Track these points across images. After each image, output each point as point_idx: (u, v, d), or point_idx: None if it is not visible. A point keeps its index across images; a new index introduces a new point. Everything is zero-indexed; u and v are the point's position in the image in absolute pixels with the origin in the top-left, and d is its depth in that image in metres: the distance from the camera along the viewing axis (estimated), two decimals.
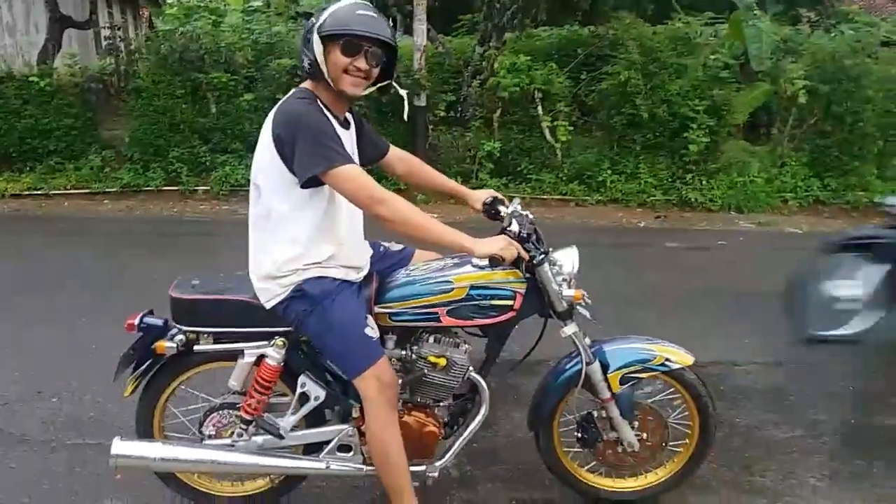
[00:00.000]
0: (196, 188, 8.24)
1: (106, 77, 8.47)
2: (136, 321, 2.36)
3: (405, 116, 2.49)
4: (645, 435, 2.52)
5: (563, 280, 2.29)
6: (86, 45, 13.13)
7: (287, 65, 8.01)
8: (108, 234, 6.69)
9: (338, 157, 2.01)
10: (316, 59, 2.09)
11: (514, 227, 2.25)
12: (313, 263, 2.18)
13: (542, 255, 2.24)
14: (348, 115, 2.32)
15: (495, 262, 2.08)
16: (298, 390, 2.34)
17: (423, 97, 8.25)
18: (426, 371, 2.32)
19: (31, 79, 8.17)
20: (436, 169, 2.71)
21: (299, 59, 2.20)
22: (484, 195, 2.59)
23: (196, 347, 2.32)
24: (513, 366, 2.46)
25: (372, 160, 2.51)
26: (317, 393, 2.33)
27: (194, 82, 8.18)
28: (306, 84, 2.19)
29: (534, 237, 2.26)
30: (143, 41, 9.42)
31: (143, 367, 2.36)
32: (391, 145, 2.59)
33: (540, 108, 8.39)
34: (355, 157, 2.27)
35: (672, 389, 2.52)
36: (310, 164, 2.01)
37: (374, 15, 2.11)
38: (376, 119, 8.19)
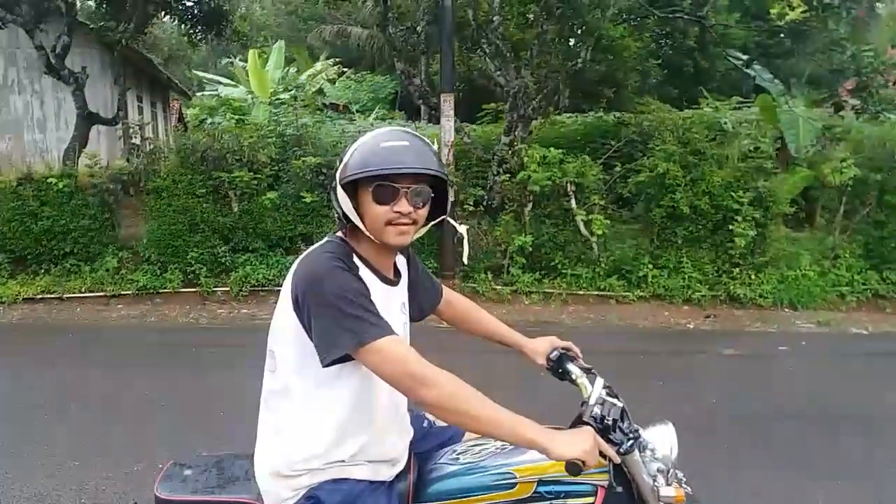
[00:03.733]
0: (215, 289, 7.87)
1: (125, 177, 8.25)
2: None
3: (465, 259, 2.01)
4: None
5: (659, 471, 1.76)
6: (114, 139, 13.18)
7: (312, 163, 7.75)
8: (118, 348, 6.23)
9: (368, 329, 1.54)
10: (344, 213, 1.66)
11: (597, 410, 1.73)
12: (335, 462, 1.68)
13: (631, 441, 1.72)
14: (399, 263, 1.87)
15: (575, 467, 1.55)
16: None
17: (450, 193, 7.92)
18: None
19: (49, 180, 7.99)
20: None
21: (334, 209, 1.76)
22: (545, 347, 2.08)
23: None
24: None
25: (426, 312, 2.06)
26: None
27: (216, 181, 7.94)
28: (342, 233, 1.75)
29: (621, 422, 1.74)
30: (164, 139, 9.30)
31: None
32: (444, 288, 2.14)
33: (573, 200, 8.00)
34: (405, 317, 1.83)
35: None
36: (333, 341, 1.54)
37: (408, 143, 1.65)
38: None
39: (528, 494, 1.76)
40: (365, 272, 1.67)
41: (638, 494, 1.76)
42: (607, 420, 1.70)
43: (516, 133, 9.28)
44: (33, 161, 9.49)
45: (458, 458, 1.88)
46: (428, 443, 1.95)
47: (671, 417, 4.15)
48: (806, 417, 4.46)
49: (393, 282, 1.79)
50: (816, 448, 4.02)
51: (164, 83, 18.66)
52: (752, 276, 7.80)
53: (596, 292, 7.88)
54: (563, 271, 8.04)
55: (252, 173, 7.94)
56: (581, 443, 1.53)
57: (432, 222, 1.79)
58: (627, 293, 7.78)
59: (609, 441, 1.68)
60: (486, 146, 9.62)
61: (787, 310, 7.53)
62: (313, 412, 1.67)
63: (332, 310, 1.54)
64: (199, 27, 12.25)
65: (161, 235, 8.01)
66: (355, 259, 1.67)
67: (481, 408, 1.52)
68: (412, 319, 1.93)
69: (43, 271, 8.10)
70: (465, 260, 2.02)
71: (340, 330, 1.54)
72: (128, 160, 9.00)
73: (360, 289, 1.59)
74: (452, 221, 1.85)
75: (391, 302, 1.76)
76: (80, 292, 7.82)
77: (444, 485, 1.82)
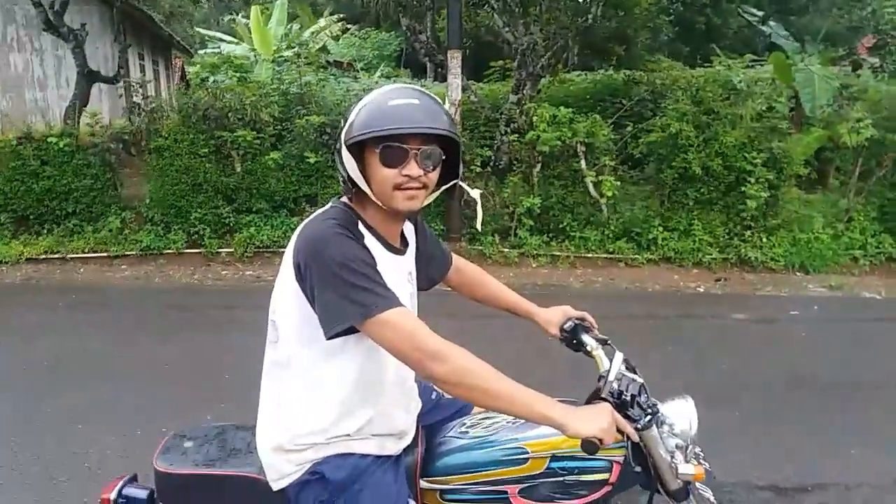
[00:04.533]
0: (219, 250, 7.79)
1: (126, 136, 8.12)
2: (114, 495, 1.79)
3: (479, 225, 1.92)
4: None
5: (677, 447, 1.69)
6: (116, 98, 12.99)
7: (316, 122, 7.60)
8: (122, 310, 6.17)
9: (374, 300, 1.45)
10: (350, 177, 1.56)
11: (615, 386, 1.65)
12: (340, 436, 1.61)
13: (649, 417, 1.64)
14: (407, 231, 1.77)
15: (591, 445, 1.47)
16: None
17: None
18: None
19: (49, 139, 7.85)
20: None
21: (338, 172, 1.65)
22: (559, 317, 1.99)
23: None
24: None
25: (435, 281, 1.97)
26: None
27: (218, 140, 7.80)
28: (347, 198, 1.64)
29: (639, 396, 1.66)
30: (167, 97, 9.13)
31: None
32: (452, 255, 2.05)
33: (583, 161, 7.84)
34: (412, 287, 1.74)
35: None
36: (337, 313, 1.45)
37: (417, 101, 1.53)
38: None
39: (541, 470, 1.69)
40: (370, 240, 1.58)
41: (655, 471, 1.69)
42: (625, 396, 1.62)
43: (525, 91, 9.08)
44: (34, 120, 9.35)
45: (467, 432, 1.80)
46: (436, 415, 1.88)
47: (680, 383, 4.13)
48: (819, 384, 4.40)
49: (400, 250, 1.69)
50: (830, 416, 3.95)
51: (165, 41, 18.35)
52: (764, 239, 7.69)
53: (605, 255, 7.78)
54: (572, 234, 7.93)
55: (255, 133, 7.79)
56: (598, 420, 1.44)
57: (443, 187, 1.68)
58: (637, 256, 7.68)
59: (627, 417, 1.60)
60: (493, 105, 9.43)
61: (798, 273, 7.44)
62: (317, 385, 1.59)
63: (335, 280, 1.45)
64: None
65: (164, 195, 7.92)
66: (360, 227, 1.58)
67: (493, 383, 1.43)
68: (420, 289, 1.83)
69: (46, 231, 8.02)
70: (478, 226, 1.92)
71: (345, 301, 1.44)
72: (129, 119, 8.85)
73: (366, 258, 1.49)
74: (465, 186, 1.73)
75: (398, 271, 1.66)
76: (84, 253, 7.75)
77: (452, 459, 1.75)
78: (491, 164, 8.72)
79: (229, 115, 7.78)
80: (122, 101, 12.02)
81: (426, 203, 1.62)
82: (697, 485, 1.73)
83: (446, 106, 7.90)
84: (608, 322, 2.05)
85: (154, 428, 3.54)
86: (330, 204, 1.64)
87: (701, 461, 1.72)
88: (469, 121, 8.83)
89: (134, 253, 7.75)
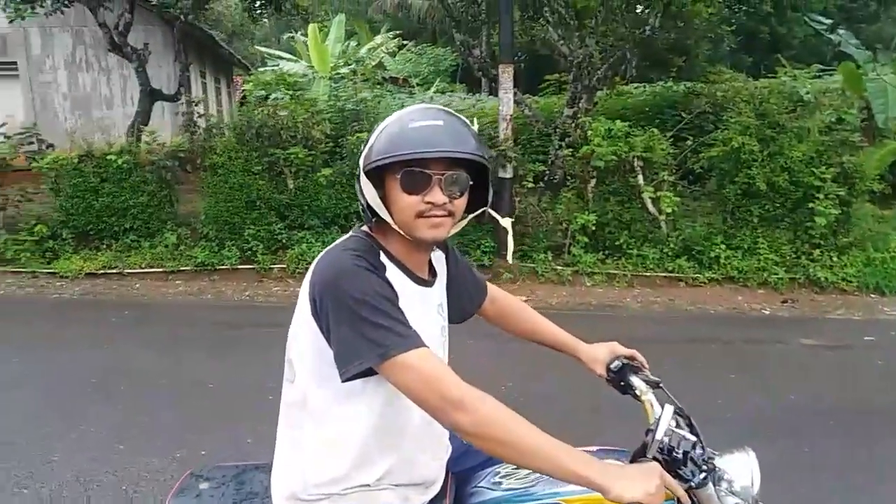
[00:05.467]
0: (271, 266, 7.83)
1: (182, 153, 8.28)
2: None
3: (510, 258, 1.76)
4: None
5: None
6: (177, 115, 13.35)
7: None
8: (173, 326, 6.20)
9: (394, 340, 1.30)
10: (369, 205, 1.43)
11: (664, 439, 1.45)
12: (358, 486, 1.47)
13: (705, 474, 1.44)
14: (435, 260, 1.63)
15: None
16: None
17: (509, 169, 7.59)
18: None
19: (108, 156, 8.06)
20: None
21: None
22: (604, 353, 1.80)
23: None
24: None
25: (468, 313, 1.80)
26: None
27: (271, 158, 7.86)
28: (368, 227, 1.51)
29: (692, 451, 1.46)
30: (227, 115, 9.29)
31: None
32: (488, 284, 1.89)
33: (640, 176, 7.58)
34: (442, 320, 1.59)
35: None
36: (353, 353, 1.32)
37: (442, 122, 1.40)
38: None
39: None
40: (393, 272, 1.44)
41: None
42: (676, 452, 1.43)
43: (580, 105, 8.90)
44: (101, 138, 9.66)
45: (500, 483, 1.64)
46: (467, 461, 1.71)
47: (745, 414, 3.85)
48: None
49: (427, 282, 1.54)
50: None
51: (226, 59, 18.83)
52: (835, 258, 7.27)
53: (664, 274, 7.48)
54: (629, 251, 7.65)
55: (307, 150, 7.83)
56: (644, 482, 1.26)
57: (472, 214, 1.53)
58: (698, 275, 7.36)
59: (678, 476, 1.41)
60: (547, 119, 9.26)
61: (873, 295, 7.00)
62: (334, 429, 1.45)
63: (352, 316, 1.31)
64: (259, 1, 12.17)
65: (218, 212, 8.01)
66: (382, 257, 1.44)
67: (524, 437, 1.27)
68: (452, 322, 1.69)
69: (105, 247, 8.22)
70: (509, 258, 1.77)
71: (361, 340, 1.31)
72: (192, 138, 9.05)
73: (386, 293, 1.35)
74: (494, 214, 1.64)
75: (426, 304, 1.52)
76: (140, 268, 7.90)
77: None
78: (544, 178, 8.54)
79: (282, 132, 7.84)
80: (178, 118, 12.35)
81: (453, 232, 1.48)
82: None
83: (496, 122, 7.80)
84: (667, 346, 1.88)
85: (193, 450, 3.51)
86: (350, 233, 1.52)
87: None
88: (522, 135, 8.70)
89: (189, 268, 7.85)
